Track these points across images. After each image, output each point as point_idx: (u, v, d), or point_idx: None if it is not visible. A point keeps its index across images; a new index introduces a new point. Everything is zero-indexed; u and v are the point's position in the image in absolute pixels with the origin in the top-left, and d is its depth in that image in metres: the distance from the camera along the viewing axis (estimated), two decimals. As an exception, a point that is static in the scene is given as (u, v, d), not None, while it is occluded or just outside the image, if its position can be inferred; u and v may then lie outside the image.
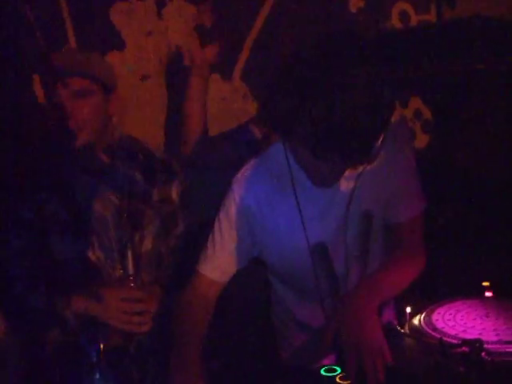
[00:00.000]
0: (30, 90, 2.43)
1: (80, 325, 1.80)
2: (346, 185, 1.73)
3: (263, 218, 1.78)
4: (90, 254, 1.91)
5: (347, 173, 1.65)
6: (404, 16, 3.41)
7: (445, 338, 1.41)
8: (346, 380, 1.42)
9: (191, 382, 1.58)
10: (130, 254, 1.88)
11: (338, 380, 1.42)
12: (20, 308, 1.87)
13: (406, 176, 1.81)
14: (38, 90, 2.39)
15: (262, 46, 2.90)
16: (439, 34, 2.92)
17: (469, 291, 1.71)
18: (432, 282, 1.89)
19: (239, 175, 1.82)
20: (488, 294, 1.68)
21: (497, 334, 1.43)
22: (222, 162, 2.39)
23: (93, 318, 1.82)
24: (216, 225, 1.83)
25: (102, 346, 1.11)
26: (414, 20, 3.44)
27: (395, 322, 1.56)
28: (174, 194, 2.07)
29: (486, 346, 1.34)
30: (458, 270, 2.44)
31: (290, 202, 1.74)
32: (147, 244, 2.00)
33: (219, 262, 1.82)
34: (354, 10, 3.21)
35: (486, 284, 1.70)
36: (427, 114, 3.37)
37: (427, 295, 1.76)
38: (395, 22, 3.36)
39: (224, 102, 2.85)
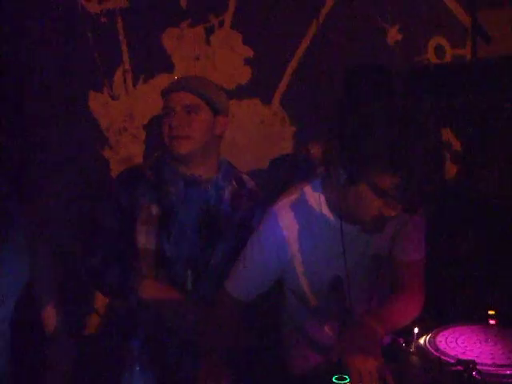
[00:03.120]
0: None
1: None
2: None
3: (292, 248, 1.85)
4: (166, 247, 2.07)
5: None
6: (440, 50, 3.54)
7: (443, 357, 1.56)
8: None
9: (218, 371, 1.66)
10: (189, 272, 2.05)
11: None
12: (95, 277, 2.11)
13: (417, 225, 1.91)
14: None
15: (301, 74, 3.09)
16: (472, 69, 3.06)
17: (474, 318, 1.84)
18: (441, 307, 2.00)
19: (279, 205, 1.86)
20: (492, 321, 1.81)
21: (492, 358, 1.57)
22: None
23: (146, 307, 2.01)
24: (248, 247, 1.89)
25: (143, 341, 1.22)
26: (449, 54, 3.58)
27: (401, 341, 1.70)
28: (255, 221, 2.11)
29: (479, 367, 1.48)
30: (467, 298, 2.56)
31: (317, 239, 1.85)
32: (216, 259, 2.10)
33: (245, 283, 1.88)
34: (391, 43, 3.37)
35: (491, 312, 1.83)
36: (457, 145, 3.50)
37: (435, 318, 1.89)
38: (431, 56, 3.51)
39: (262, 125, 3.04)
